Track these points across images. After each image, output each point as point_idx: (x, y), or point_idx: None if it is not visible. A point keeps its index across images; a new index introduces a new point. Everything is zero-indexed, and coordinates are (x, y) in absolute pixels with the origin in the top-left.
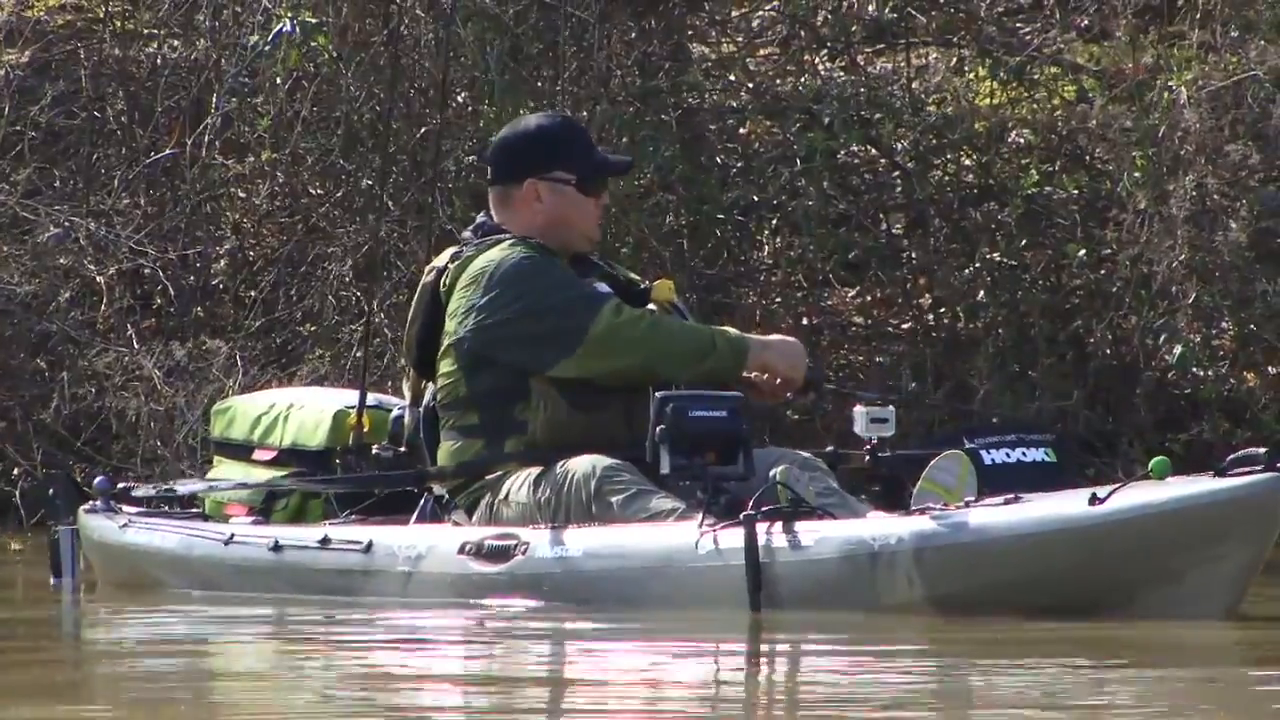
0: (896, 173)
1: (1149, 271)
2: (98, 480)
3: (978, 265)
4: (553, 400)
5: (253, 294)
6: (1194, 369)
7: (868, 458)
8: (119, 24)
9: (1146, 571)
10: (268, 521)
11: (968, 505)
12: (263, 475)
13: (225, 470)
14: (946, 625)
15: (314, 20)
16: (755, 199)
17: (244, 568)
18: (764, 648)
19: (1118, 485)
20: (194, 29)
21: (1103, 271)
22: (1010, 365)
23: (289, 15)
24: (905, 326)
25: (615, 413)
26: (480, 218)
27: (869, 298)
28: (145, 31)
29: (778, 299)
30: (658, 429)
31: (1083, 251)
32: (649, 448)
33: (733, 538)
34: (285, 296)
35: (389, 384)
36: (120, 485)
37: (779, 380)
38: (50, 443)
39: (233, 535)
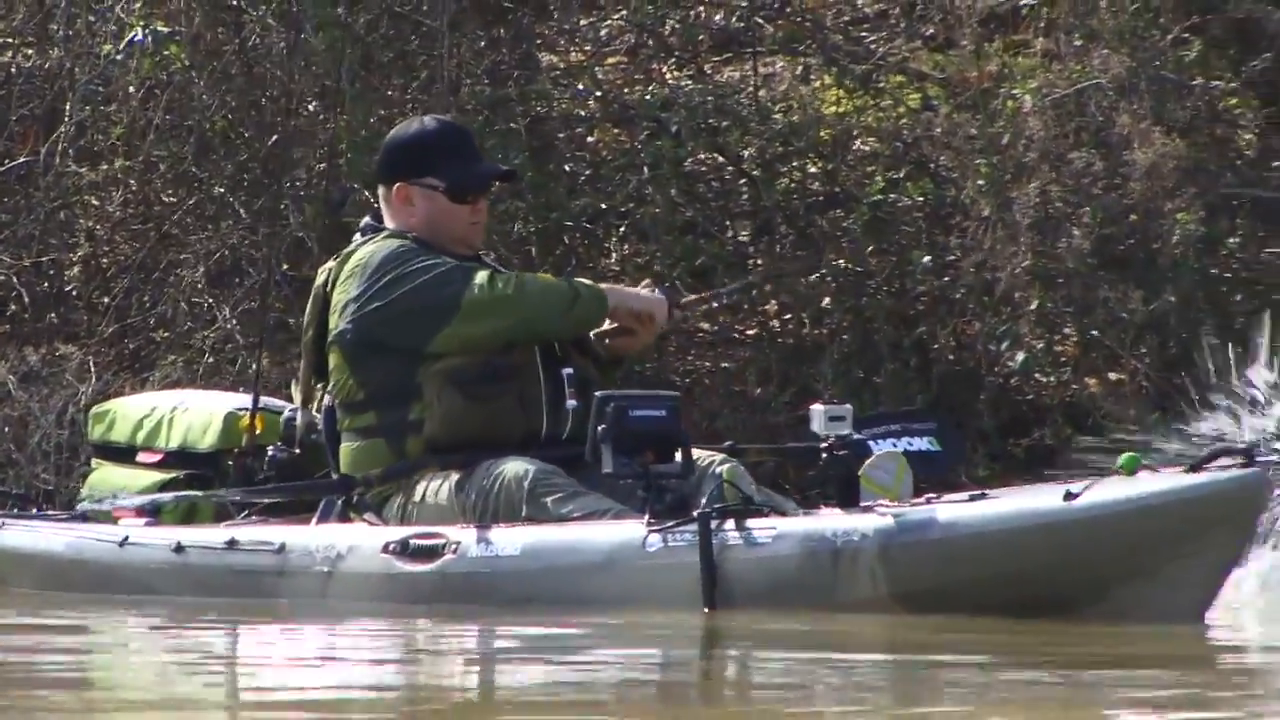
0: (743, 180)
1: (992, 278)
2: None
3: (823, 271)
4: (445, 394)
5: (106, 300)
6: (1036, 375)
7: (823, 455)
8: None
9: (1121, 568)
10: (159, 523)
11: (930, 501)
12: (148, 478)
13: (107, 474)
14: (913, 623)
15: (166, 30)
16: (603, 206)
17: (143, 571)
18: (722, 646)
19: (1090, 481)
20: (48, 38)
21: (947, 278)
22: (855, 371)
23: (142, 25)
24: (751, 332)
25: (509, 400)
26: (368, 218)
27: (715, 304)
28: (3, 41)
29: None
30: (599, 428)
31: (927, 258)
32: (589, 447)
33: (684, 535)
34: (138, 303)
35: (240, 388)
36: None
37: (642, 321)
38: None
39: (127, 537)
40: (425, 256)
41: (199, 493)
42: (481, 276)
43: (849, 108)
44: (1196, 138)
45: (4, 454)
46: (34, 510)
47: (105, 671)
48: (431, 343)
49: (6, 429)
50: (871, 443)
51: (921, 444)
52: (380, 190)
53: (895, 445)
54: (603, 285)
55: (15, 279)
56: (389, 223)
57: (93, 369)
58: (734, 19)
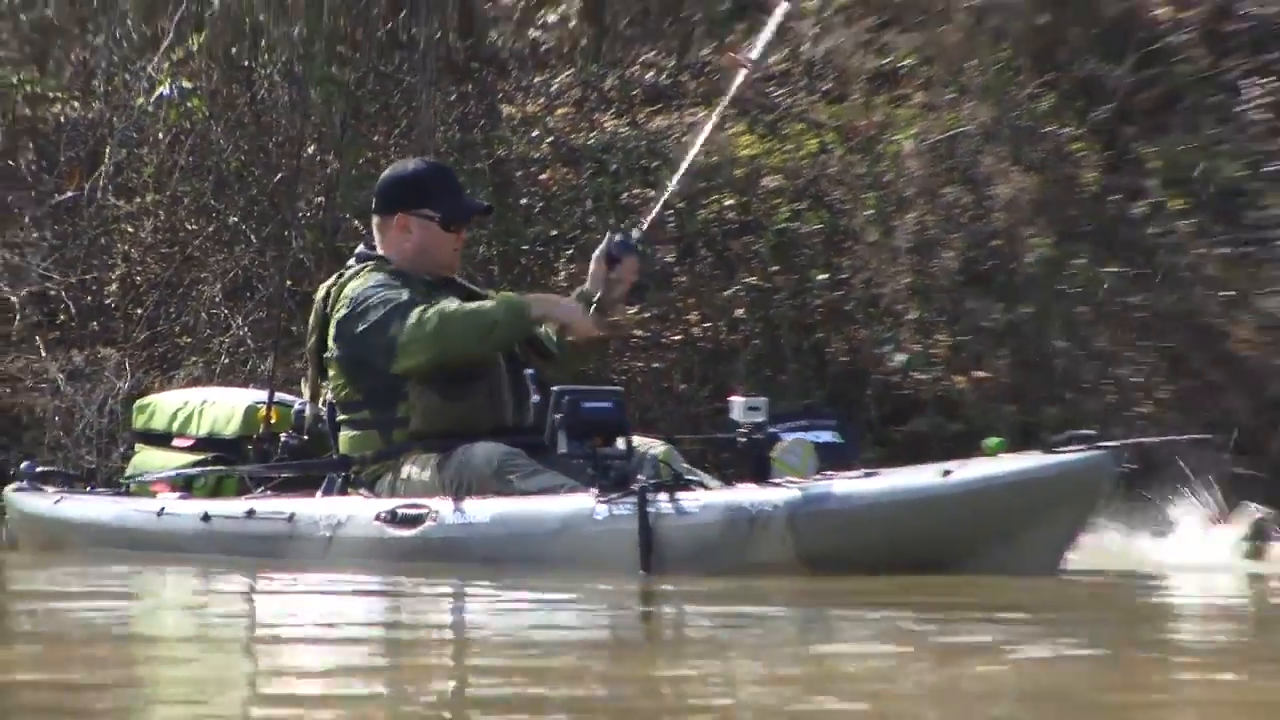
0: (670, 211)
1: (878, 292)
2: (24, 465)
3: (737, 287)
4: (425, 395)
5: (139, 311)
6: (914, 373)
7: (742, 439)
8: (29, 88)
9: (988, 533)
10: (189, 496)
11: (829, 477)
12: (182, 459)
13: (148, 456)
14: (814, 579)
15: (190, 85)
16: (554, 233)
17: (176, 536)
18: (656, 598)
19: (963, 462)
20: (91, 93)
21: (840, 292)
22: (764, 370)
23: (169, 81)
24: (676, 338)
25: (480, 399)
26: (361, 247)
27: (647, 314)
28: (51, 95)
29: None
30: (556, 418)
31: (824, 275)
32: (548, 433)
33: (625, 506)
34: (166, 313)
35: (250, 385)
36: (39, 469)
37: (569, 325)
38: None
39: (164, 508)
40: (389, 293)
41: (222, 468)
42: (414, 316)
43: (758, 150)
44: (1048, 176)
45: (54, 439)
46: (86, 487)
47: (144, 616)
48: (393, 369)
49: (56, 418)
50: (783, 435)
51: (826, 436)
52: (376, 220)
53: (804, 436)
54: (532, 297)
55: (64, 293)
56: (381, 249)
57: (128, 368)
58: (663, 77)
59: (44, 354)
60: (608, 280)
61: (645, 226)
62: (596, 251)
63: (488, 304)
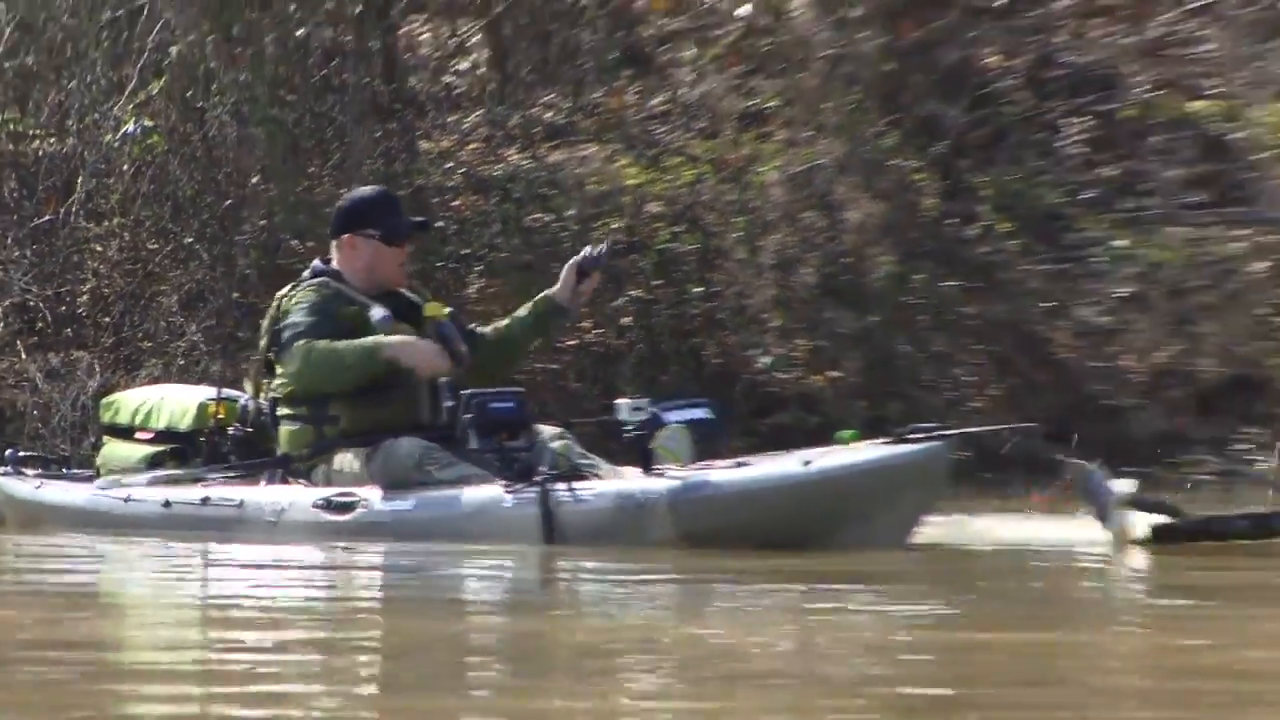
0: (565, 233)
1: (746, 303)
2: (8, 451)
3: (624, 299)
4: (353, 397)
5: (106, 319)
6: (778, 373)
7: (629, 431)
8: (12, 126)
9: (844, 513)
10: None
11: (703, 467)
12: (144, 450)
13: (114, 448)
14: (692, 555)
15: (151, 124)
16: (465, 252)
17: (142, 519)
18: (554, 569)
19: (822, 451)
20: (65, 130)
21: (713, 303)
22: (648, 372)
23: (133, 120)
24: (572, 343)
25: (400, 404)
26: (316, 262)
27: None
28: (31, 132)
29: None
30: (466, 417)
31: (699, 289)
32: (460, 431)
33: (529, 494)
34: (129, 321)
35: (202, 383)
36: (21, 454)
37: (419, 367)
38: None
39: (129, 496)
40: (301, 317)
41: (181, 471)
42: (294, 348)
43: (642, 180)
44: (893, 202)
45: (33, 430)
46: (62, 470)
47: (114, 586)
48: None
49: (34, 412)
50: (664, 415)
51: (700, 413)
52: (333, 243)
53: (682, 413)
54: (390, 341)
55: (41, 303)
56: (340, 265)
57: (97, 369)
58: (559, 116)
59: (24, 356)
60: (575, 289)
61: (608, 249)
62: (572, 261)
63: (347, 345)
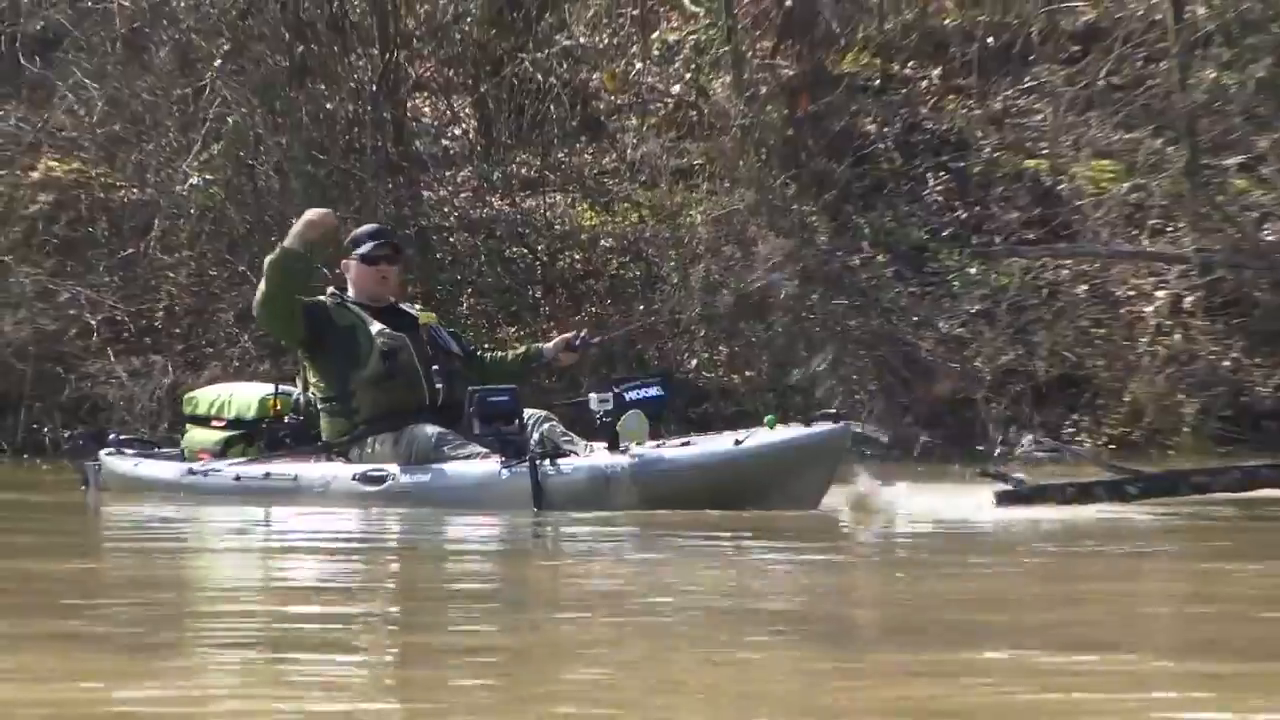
0: (537, 262)
1: (679, 318)
2: (110, 435)
3: (582, 315)
4: (368, 390)
5: (177, 330)
6: (705, 373)
7: (599, 419)
8: (103, 179)
9: (769, 482)
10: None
11: (659, 446)
12: (218, 435)
13: (195, 433)
14: (653, 519)
15: (212, 178)
16: (459, 278)
17: (216, 490)
18: (547, 529)
19: (750, 431)
20: (145, 182)
21: (653, 318)
22: (603, 370)
23: (199, 174)
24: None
25: (404, 391)
26: (331, 286)
27: (523, 333)
28: (117, 184)
29: (471, 334)
30: (471, 409)
31: (642, 307)
32: (466, 420)
33: (522, 468)
34: (196, 332)
35: (257, 381)
36: (122, 438)
37: (311, 224)
38: (64, 416)
39: (207, 471)
40: (312, 309)
41: (248, 458)
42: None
43: (596, 222)
44: (794, 239)
45: (120, 418)
46: (154, 450)
47: (200, 544)
48: (284, 339)
49: (121, 403)
50: (627, 393)
51: (653, 390)
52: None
53: (641, 390)
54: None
55: (126, 318)
56: (350, 285)
57: (170, 369)
58: (532, 171)
59: (113, 359)
60: (561, 353)
61: (595, 340)
62: (567, 335)
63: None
